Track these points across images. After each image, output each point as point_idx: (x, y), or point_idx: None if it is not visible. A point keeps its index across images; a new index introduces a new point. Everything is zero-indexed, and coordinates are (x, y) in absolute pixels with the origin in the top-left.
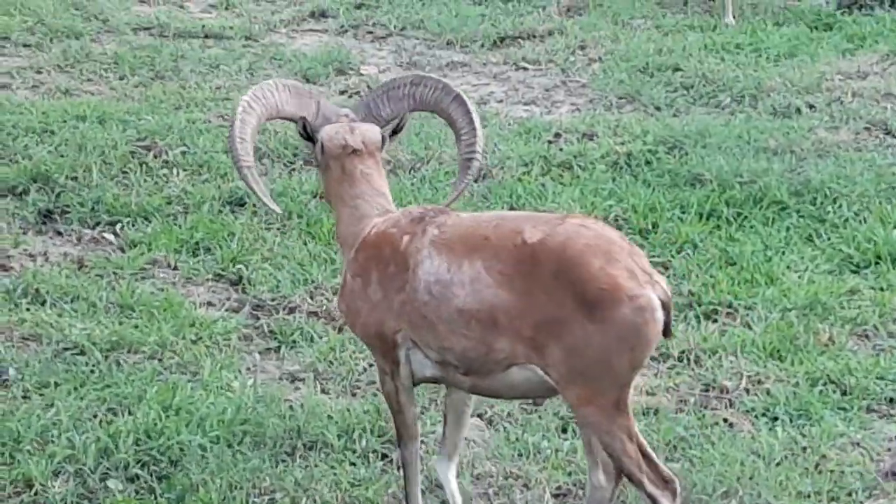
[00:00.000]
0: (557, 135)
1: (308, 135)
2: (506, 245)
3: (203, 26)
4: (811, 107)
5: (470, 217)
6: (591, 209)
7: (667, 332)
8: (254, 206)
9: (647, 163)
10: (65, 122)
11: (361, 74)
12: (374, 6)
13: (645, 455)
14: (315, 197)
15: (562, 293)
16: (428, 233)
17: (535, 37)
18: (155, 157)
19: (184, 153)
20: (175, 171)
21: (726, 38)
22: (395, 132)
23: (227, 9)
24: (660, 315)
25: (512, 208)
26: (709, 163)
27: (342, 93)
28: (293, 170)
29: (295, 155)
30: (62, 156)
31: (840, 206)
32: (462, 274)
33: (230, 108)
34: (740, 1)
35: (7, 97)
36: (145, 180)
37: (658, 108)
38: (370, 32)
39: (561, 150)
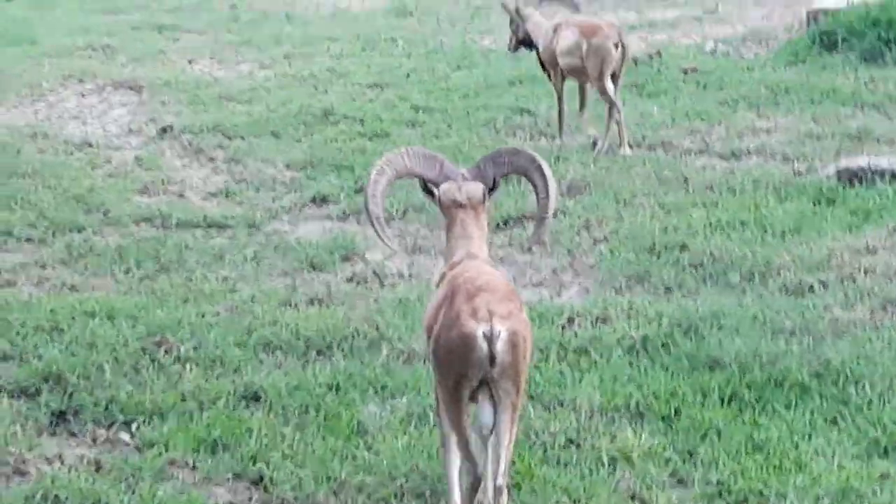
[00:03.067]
0: (570, 319)
1: (428, 189)
2: (448, 282)
3: (205, 216)
4: (823, 284)
5: (474, 264)
6: (612, 396)
7: (492, 360)
8: (270, 400)
9: (664, 346)
10: (73, 318)
11: (367, 261)
12: None
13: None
14: (330, 390)
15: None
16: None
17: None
18: (166, 352)
19: (195, 348)
20: (188, 366)
21: (730, 215)
22: (491, 190)
23: (227, 197)
24: (480, 344)
25: (531, 398)
26: (726, 345)
27: (350, 280)
28: (307, 361)
29: (308, 346)
30: (73, 354)
31: (862, 387)
32: (431, 300)
33: (238, 300)
34: (742, 176)
35: (13, 294)
36: (158, 377)
37: (669, 289)
38: None
39: (576, 335)
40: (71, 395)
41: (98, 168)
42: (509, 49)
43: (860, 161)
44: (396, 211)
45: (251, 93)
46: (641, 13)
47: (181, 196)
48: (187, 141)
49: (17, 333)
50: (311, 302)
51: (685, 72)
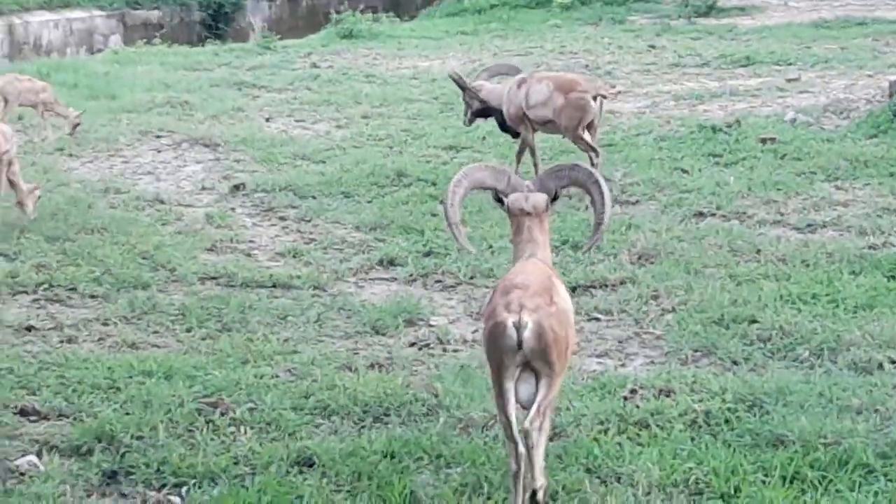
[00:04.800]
0: (633, 390)
1: (499, 199)
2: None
3: (271, 276)
4: (893, 362)
5: (527, 263)
6: (671, 472)
7: (520, 345)
8: (323, 466)
9: (727, 422)
10: (131, 377)
11: (431, 325)
12: (443, 254)
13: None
14: (385, 457)
15: None
16: None
17: (606, 286)
18: (222, 414)
19: (251, 410)
20: (242, 429)
21: (802, 288)
22: (553, 200)
23: (294, 257)
24: (510, 332)
25: (588, 470)
26: (791, 423)
27: (412, 345)
28: (363, 427)
29: (365, 412)
30: (128, 414)
31: None
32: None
33: (298, 362)
34: (816, 249)
35: (73, 351)
36: (212, 439)
37: (735, 363)
38: (439, 281)
39: (637, 407)
40: (123, 455)
41: (168, 225)
42: (465, 123)
43: None
44: (464, 275)
45: (326, 152)
46: (723, 81)
47: (249, 255)
48: (259, 199)
49: (74, 391)
50: (372, 366)
51: (763, 141)
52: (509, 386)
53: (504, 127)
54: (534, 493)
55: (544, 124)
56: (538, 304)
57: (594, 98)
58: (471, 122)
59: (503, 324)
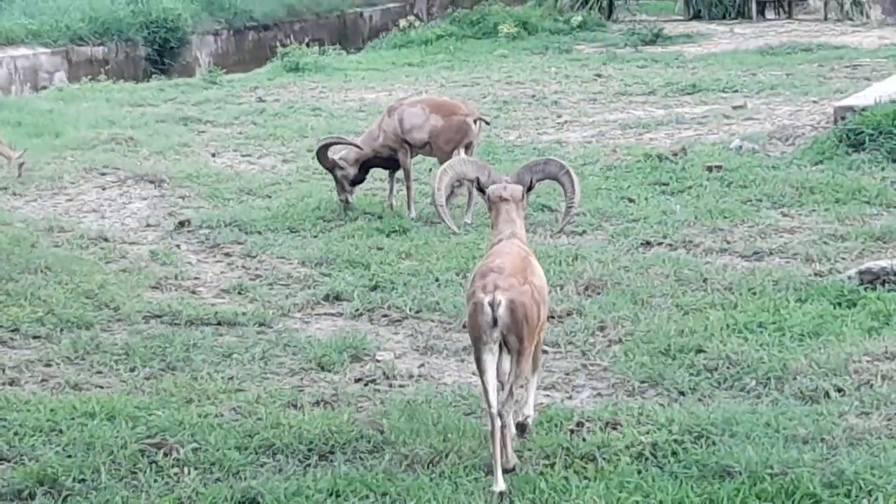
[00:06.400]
0: (580, 423)
1: (481, 189)
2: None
3: (216, 313)
4: (839, 390)
5: (507, 243)
6: None
7: (494, 322)
8: None
9: (674, 453)
10: (73, 419)
11: (377, 361)
12: (390, 288)
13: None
14: (330, 495)
15: None
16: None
17: (553, 317)
18: (165, 455)
19: (195, 450)
20: (186, 470)
21: (748, 317)
22: (528, 190)
23: (240, 293)
24: (486, 310)
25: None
26: (737, 453)
27: (358, 381)
28: (308, 465)
29: (310, 450)
30: (70, 456)
31: (876, 499)
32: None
33: (243, 400)
34: (763, 276)
35: (14, 393)
36: (155, 481)
37: (682, 393)
38: (385, 316)
39: (584, 440)
40: (66, 498)
41: (112, 263)
42: (346, 203)
43: (882, 263)
44: (410, 309)
45: (272, 187)
46: (669, 109)
47: (193, 292)
48: (204, 235)
49: (15, 434)
50: (317, 403)
51: (710, 169)
52: (487, 358)
53: (390, 162)
54: (523, 426)
55: (421, 147)
56: (511, 284)
57: (475, 121)
58: (351, 192)
59: (480, 303)
